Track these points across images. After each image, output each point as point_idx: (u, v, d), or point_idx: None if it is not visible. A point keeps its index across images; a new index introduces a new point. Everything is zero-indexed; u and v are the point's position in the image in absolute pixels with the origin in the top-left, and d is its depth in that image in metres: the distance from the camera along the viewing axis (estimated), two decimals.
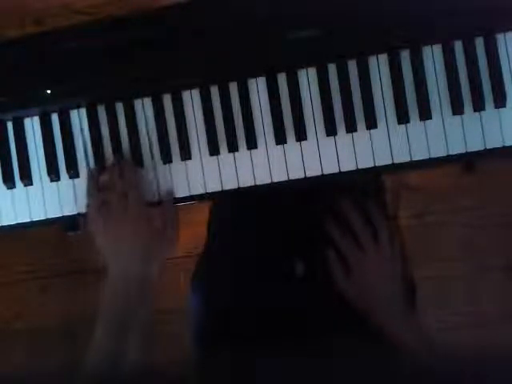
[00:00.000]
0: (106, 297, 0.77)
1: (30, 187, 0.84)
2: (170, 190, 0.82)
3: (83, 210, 0.82)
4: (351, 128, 0.79)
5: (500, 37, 0.78)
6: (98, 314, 0.76)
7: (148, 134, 0.82)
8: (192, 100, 0.82)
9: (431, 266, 1.42)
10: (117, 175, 0.80)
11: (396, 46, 0.78)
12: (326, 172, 0.79)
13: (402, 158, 0.78)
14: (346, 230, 0.85)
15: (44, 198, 0.83)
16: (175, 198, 0.82)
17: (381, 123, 0.79)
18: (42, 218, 0.83)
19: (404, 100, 0.78)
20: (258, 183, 0.80)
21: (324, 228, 0.86)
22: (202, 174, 0.81)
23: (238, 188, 0.81)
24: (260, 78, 0.80)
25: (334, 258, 0.84)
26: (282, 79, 0.80)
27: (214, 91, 0.81)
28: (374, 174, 0.81)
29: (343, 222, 0.85)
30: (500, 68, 0.77)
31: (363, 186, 0.93)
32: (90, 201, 0.80)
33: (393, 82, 0.79)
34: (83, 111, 0.83)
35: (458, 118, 0.78)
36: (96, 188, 0.80)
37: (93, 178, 0.81)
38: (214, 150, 0.81)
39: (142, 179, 0.82)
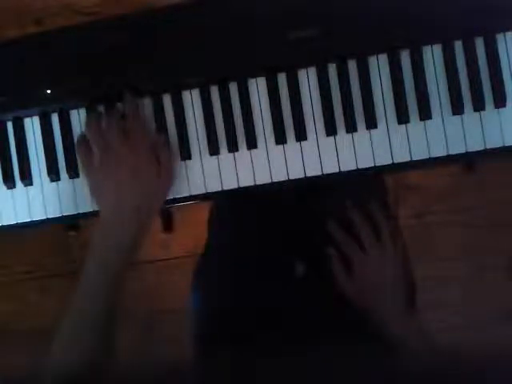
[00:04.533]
0: (96, 239, 0.75)
1: (29, 187, 0.84)
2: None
3: (82, 209, 0.82)
4: (351, 128, 0.79)
5: (500, 37, 0.78)
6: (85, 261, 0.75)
7: None
8: (192, 100, 0.82)
9: (431, 266, 1.42)
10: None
11: (396, 46, 0.78)
12: (326, 172, 0.79)
13: (402, 157, 0.78)
14: (347, 230, 0.85)
15: (44, 198, 0.83)
16: (175, 199, 0.82)
17: (381, 123, 0.79)
18: (42, 217, 0.83)
19: (404, 100, 0.78)
20: (258, 183, 0.80)
21: (324, 228, 0.86)
22: (202, 173, 0.81)
23: (238, 188, 0.81)
24: (260, 78, 0.80)
25: (336, 258, 0.84)
26: (282, 79, 0.80)
27: (214, 91, 0.81)
28: (375, 173, 0.81)
29: (345, 222, 0.85)
30: (500, 68, 0.77)
31: (364, 186, 0.93)
32: (87, 135, 0.79)
33: (393, 82, 0.79)
34: (83, 111, 0.83)
35: (458, 117, 0.78)
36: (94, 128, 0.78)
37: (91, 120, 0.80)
38: (213, 150, 0.81)
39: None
